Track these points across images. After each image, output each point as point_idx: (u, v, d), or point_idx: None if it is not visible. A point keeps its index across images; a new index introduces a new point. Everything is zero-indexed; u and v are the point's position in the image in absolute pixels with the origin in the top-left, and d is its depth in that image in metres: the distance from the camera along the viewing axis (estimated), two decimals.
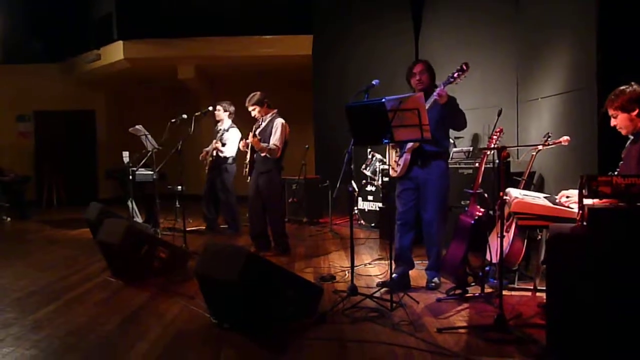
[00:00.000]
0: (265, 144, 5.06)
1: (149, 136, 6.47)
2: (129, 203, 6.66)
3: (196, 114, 6.04)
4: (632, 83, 2.87)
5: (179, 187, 6.11)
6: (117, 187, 7.97)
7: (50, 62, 11.07)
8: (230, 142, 6.32)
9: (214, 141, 6.29)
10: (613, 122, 2.92)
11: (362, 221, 7.01)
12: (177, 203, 7.31)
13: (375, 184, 6.79)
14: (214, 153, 6.41)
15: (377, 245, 5.84)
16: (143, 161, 6.51)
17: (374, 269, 4.68)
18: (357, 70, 7.79)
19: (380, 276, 4.39)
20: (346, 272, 4.47)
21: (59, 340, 3.01)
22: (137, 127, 6.54)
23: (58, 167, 11.15)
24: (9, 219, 8.59)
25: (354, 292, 3.56)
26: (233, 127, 6.42)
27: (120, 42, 9.54)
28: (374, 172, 6.87)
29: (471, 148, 6.00)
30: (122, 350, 2.87)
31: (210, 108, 6.14)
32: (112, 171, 7.35)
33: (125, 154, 6.71)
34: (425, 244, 4.01)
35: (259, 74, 10.33)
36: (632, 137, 2.92)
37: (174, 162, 6.04)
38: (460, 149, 5.87)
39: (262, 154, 5.10)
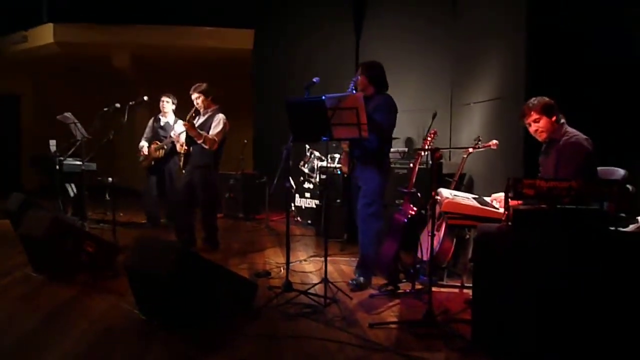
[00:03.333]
0: (202, 132, 4.94)
1: (79, 124, 6.16)
2: (57, 195, 6.37)
3: (130, 103, 5.84)
4: (535, 97, 3.08)
5: (109, 179, 5.77)
6: (43, 177, 7.56)
7: None
8: (183, 134, 6.06)
9: (175, 134, 5.68)
10: (533, 127, 3.09)
11: (298, 218, 7.02)
12: (107, 195, 6.92)
13: (313, 181, 6.81)
14: (167, 147, 6.14)
15: (313, 242, 5.87)
16: (71, 150, 6.23)
17: (309, 265, 4.70)
18: (298, 67, 7.79)
19: (314, 272, 4.41)
20: (281, 268, 4.46)
21: None
22: (65, 114, 6.19)
23: None
24: None
25: (289, 288, 3.57)
26: (178, 120, 6.23)
27: (51, 25, 9.00)
28: (311, 170, 6.88)
29: (406, 149, 6.17)
30: (42, 348, 2.72)
31: (146, 98, 5.94)
32: (37, 159, 6.98)
33: (53, 142, 6.41)
34: (360, 240, 4.04)
35: (198, 65, 10.03)
36: (545, 145, 3.11)
37: (104, 153, 5.93)
38: (396, 149, 6.01)
39: (200, 145, 4.97)
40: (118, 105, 5.75)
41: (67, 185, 6.43)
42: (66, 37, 9.02)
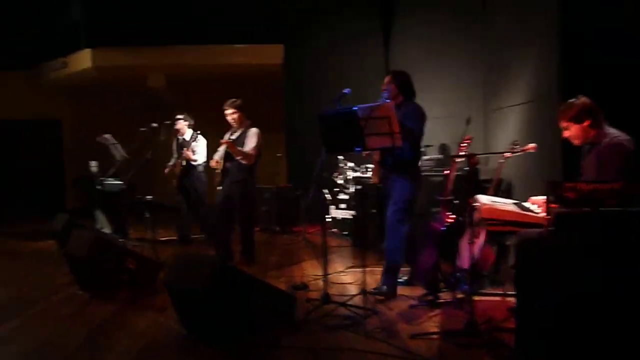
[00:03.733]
0: (241, 148, 5.04)
1: (118, 145, 6.43)
2: (97, 213, 6.58)
3: (166, 122, 6.03)
4: (580, 96, 2.97)
5: (148, 197, 5.96)
6: (85, 197, 7.73)
7: (13, 70, 10.74)
8: (199, 148, 6.26)
9: (185, 149, 6.14)
10: (566, 133, 3.01)
11: (334, 229, 7.00)
12: (146, 213, 7.12)
13: (348, 192, 6.79)
14: (183, 163, 6.29)
15: (350, 253, 5.84)
16: (112, 171, 6.43)
17: (347, 277, 4.68)
18: (329, 79, 7.78)
19: (353, 284, 4.38)
20: (319, 280, 4.44)
21: (22, 357, 2.91)
22: (105, 136, 6.50)
23: (24, 177, 10.91)
24: None
25: (327, 300, 3.55)
26: (198, 134, 6.34)
27: (88, 50, 9.35)
28: (346, 180, 6.87)
29: (441, 156, 6.10)
30: None
31: (181, 117, 6.13)
32: (80, 180, 7.27)
33: (93, 163, 6.61)
34: (386, 248, 4.00)
35: (230, 82, 10.05)
36: (587, 147, 3.01)
37: (143, 172, 6.06)
38: (430, 157, 5.95)
39: (238, 160, 5.05)
40: (155, 124, 5.91)
41: (97, 212, 6.60)
42: (103, 61, 9.33)
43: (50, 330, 3.39)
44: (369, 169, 6.33)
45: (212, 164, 5.34)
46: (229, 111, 5.17)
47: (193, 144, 6.24)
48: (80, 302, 4.05)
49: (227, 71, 9.84)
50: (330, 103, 3.65)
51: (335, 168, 7.03)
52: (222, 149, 5.19)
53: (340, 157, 6.94)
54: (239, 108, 5.16)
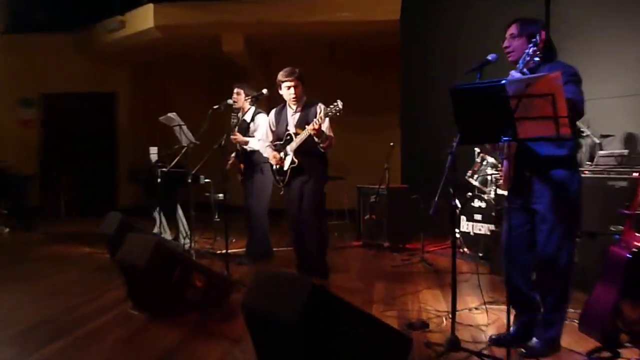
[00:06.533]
0: (324, 130, 5.24)
1: (185, 127, 6.61)
2: (156, 214, 6.87)
3: (246, 97, 6.24)
4: None
5: (220, 196, 6.26)
6: (142, 193, 8.28)
7: (60, 32, 11.56)
8: (261, 131, 6.33)
9: (233, 132, 6.34)
10: None
11: (465, 249, 6.93)
12: (216, 216, 7.41)
13: (486, 197, 6.66)
14: (239, 150, 6.45)
15: (488, 282, 5.72)
16: (176, 160, 6.68)
17: (481, 315, 4.60)
18: (463, 40, 7.71)
19: (490, 326, 4.30)
20: (443, 318, 4.44)
21: None
22: (169, 115, 6.70)
23: (69, 165, 11.70)
24: (7, 229, 9.07)
25: (455, 347, 3.51)
26: (260, 112, 6.53)
27: (151, 6, 9.85)
28: (483, 182, 6.73)
29: (626, 151, 5.75)
30: None
31: (265, 91, 6.17)
32: (137, 172, 7.63)
33: (154, 149, 7.00)
34: (539, 290, 3.82)
35: (328, 47, 10.43)
36: None
37: (215, 162, 6.22)
38: (610, 152, 5.65)
39: (309, 149, 5.33)
40: (231, 101, 6.09)
41: (157, 212, 6.91)
42: (168, 19, 9.82)
43: (100, 356, 3.62)
44: None
45: (274, 159, 5.59)
46: (289, 83, 5.46)
47: (252, 125, 6.45)
48: (137, 323, 4.29)
49: (323, 32, 9.96)
50: (466, 75, 3.61)
51: (469, 165, 6.91)
52: (300, 138, 5.38)
53: (477, 150, 6.82)
54: (301, 80, 5.50)
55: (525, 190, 3.71)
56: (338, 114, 5.08)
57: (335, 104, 5.06)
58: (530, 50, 3.43)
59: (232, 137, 6.30)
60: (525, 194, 3.72)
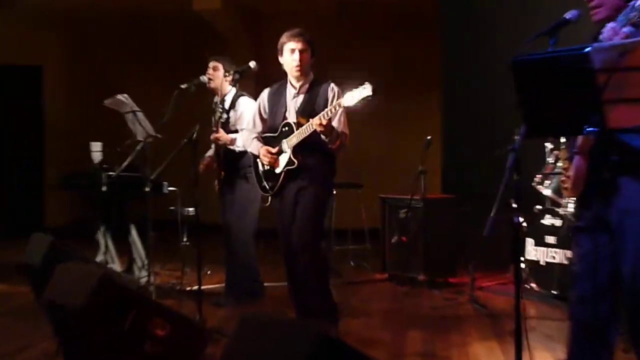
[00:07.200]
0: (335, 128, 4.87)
1: (141, 115, 6.34)
2: (100, 236, 6.77)
3: (225, 74, 5.95)
4: None
5: (190, 210, 6.32)
6: (80, 206, 7.80)
7: None
8: (245, 119, 5.93)
9: (215, 128, 6.00)
10: None
11: (533, 284, 6.43)
12: (184, 238, 7.18)
13: (561, 212, 6.20)
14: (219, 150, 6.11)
15: (563, 332, 5.19)
16: (129, 160, 6.48)
17: None
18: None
19: None
20: None
21: None
22: (118, 97, 6.47)
23: None
24: None
25: None
26: (243, 95, 6.15)
27: None
28: (557, 191, 6.29)
29: None
30: None
31: (253, 64, 5.65)
32: (73, 177, 7.43)
33: (96, 145, 6.78)
34: (633, 334, 3.48)
35: (336, 6, 10.26)
36: None
37: (182, 163, 5.73)
38: None
39: (313, 148, 4.93)
40: (205, 78, 5.86)
41: (101, 232, 6.74)
42: None
43: None
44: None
45: (266, 155, 5.11)
46: (295, 44, 4.94)
47: (232, 114, 6.10)
48: None
49: None
50: (533, 41, 3.33)
51: (538, 166, 6.52)
52: (302, 130, 4.95)
53: (549, 146, 6.35)
54: (312, 47, 5.02)
55: (606, 197, 3.46)
56: (365, 102, 4.60)
57: (363, 86, 4.52)
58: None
59: (213, 136, 5.95)
60: (604, 202, 3.48)
